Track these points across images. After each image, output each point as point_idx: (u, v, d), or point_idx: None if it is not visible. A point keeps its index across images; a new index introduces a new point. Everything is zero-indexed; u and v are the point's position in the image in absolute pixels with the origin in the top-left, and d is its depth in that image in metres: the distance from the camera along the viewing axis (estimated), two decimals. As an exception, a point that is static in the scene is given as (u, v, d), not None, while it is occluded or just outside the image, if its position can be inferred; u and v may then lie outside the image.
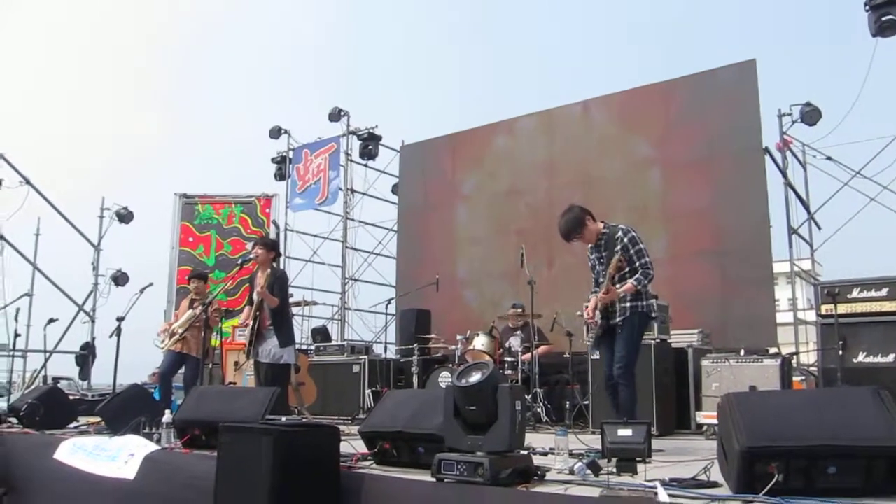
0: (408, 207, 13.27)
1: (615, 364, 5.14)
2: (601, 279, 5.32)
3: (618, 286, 5.14)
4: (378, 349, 11.97)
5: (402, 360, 10.00)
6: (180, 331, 7.74)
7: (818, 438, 2.95)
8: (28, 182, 12.91)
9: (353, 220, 13.91)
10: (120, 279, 13.61)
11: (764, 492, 2.90)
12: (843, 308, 6.23)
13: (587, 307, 5.37)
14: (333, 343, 10.87)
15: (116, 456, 4.96)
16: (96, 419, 6.66)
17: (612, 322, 5.22)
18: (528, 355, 7.88)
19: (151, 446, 4.96)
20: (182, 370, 8.17)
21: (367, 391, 9.30)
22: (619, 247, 5.16)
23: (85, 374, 13.43)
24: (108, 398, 6.87)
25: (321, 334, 11.41)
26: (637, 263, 5.15)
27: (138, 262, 14.04)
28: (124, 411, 5.95)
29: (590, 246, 5.46)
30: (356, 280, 13.86)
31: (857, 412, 3.06)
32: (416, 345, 9.18)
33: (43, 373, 12.50)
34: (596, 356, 6.59)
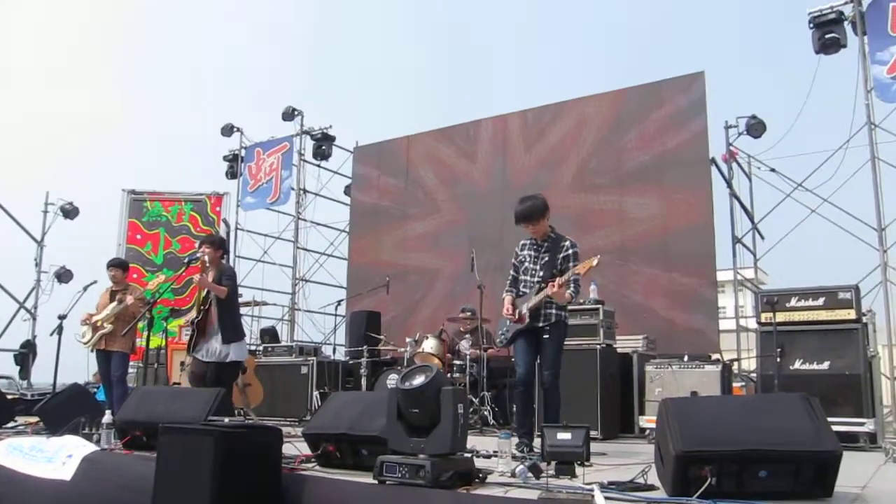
0: (360, 209, 13.24)
1: (547, 371, 5.16)
2: (524, 276, 5.36)
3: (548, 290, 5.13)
4: (327, 350, 11.94)
5: (351, 362, 9.96)
6: (108, 326, 7.38)
7: (750, 443, 3.06)
8: (-31, 175, 12.56)
9: (304, 220, 13.82)
10: (63, 276, 13.27)
11: (697, 494, 3.00)
12: (781, 316, 6.38)
13: (509, 307, 5.34)
14: (282, 344, 10.77)
15: (54, 457, 4.86)
16: (35, 419, 6.51)
17: (534, 325, 5.22)
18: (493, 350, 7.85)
19: (90, 447, 4.87)
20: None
21: (315, 393, 9.24)
22: (562, 254, 5.24)
23: (25, 372, 13.09)
24: (48, 398, 6.72)
25: (270, 335, 11.29)
26: (571, 277, 5.16)
27: (83, 260, 13.67)
28: (64, 411, 5.84)
29: (525, 242, 5.47)
30: (307, 281, 13.77)
31: (786, 418, 3.17)
32: (365, 347, 9.16)
33: (-20, 371, 12.17)
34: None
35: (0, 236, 13.82)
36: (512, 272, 5.53)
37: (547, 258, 5.29)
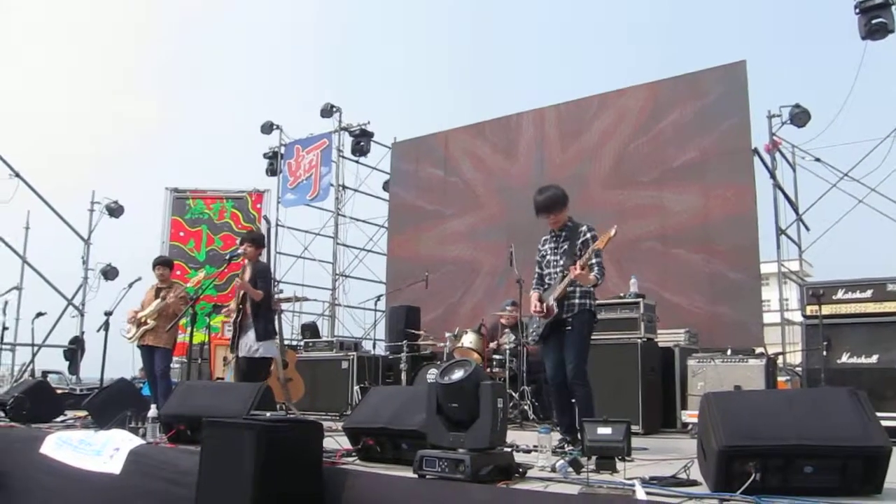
0: (399, 204, 13.27)
1: (569, 364, 5.03)
2: (547, 269, 5.28)
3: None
4: (367, 346, 12.01)
5: (390, 357, 10.02)
6: (151, 322, 7.51)
7: (795, 438, 2.99)
8: (18, 175, 12.88)
9: (344, 216, 13.92)
10: (109, 273, 13.56)
11: (741, 490, 2.94)
12: (827, 309, 6.25)
13: (536, 303, 5.23)
14: (323, 339, 10.87)
15: (102, 450, 4.96)
16: (83, 413, 6.67)
17: (559, 316, 5.10)
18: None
19: (137, 441, 4.96)
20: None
21: (356, 387, 9.30)
22: (580, 240, 5.12)
23: (74, 368, 13.41)
24: (95, 392, 6.88)
25: (310, 330, 11.40)
26: (594, 261, 5.03)
27: (128, 257, 13.98)
28: (111, 405, 5.97)
29: (546, 237, 5.39)
30: (347, 276, 13.87)
31: (833, 413, 3.09)
32: (405, 342, 9.18)
33: (31, 366, 12.47)
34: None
35: (49, 235, 14.17)
36: (537, 269, 5.45)
37: (566, 246, 5.18)
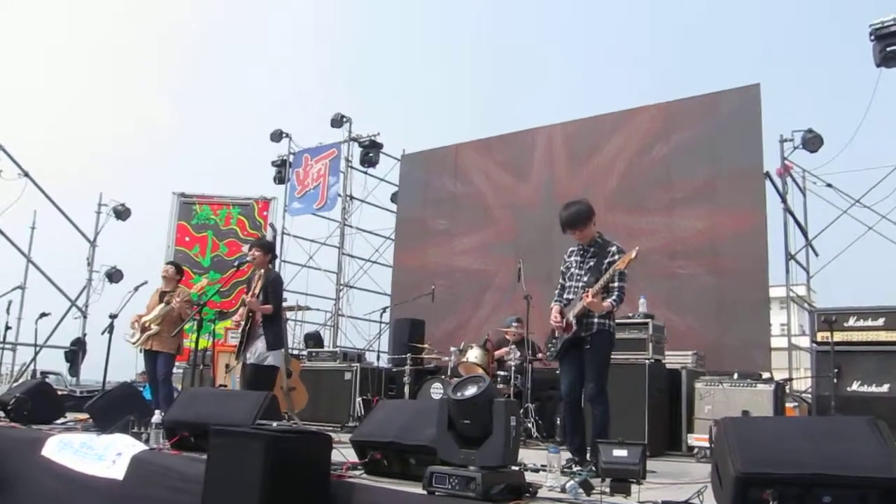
0: (406, 216, 13.25)
1: (589, 383, 4.97)
2: (570, 282, 5.21)
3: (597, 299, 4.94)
4: (370, 357, 11.96)
5: (394, 370, 9.95)
6: (155, 327, 7.45)
7: (814, 467, 2.94)
8: (26, 174, 12.86)
9: (350, 226, 13.91)
10: (114, 276, 13.53)
11: (758, 518, 2.89)
12: (838, 336, 6.22)
13: (556, 315, 5.15)
14: (326, 349, 10.81)
15: (104, 455, 4.92)
16: (84, 416, 6.61)
17: (577, 334, 5.03)
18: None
19: (139, 446, 4.92)
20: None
21: (358, 399, 9.24)
22: (607, 260, 5.05)
23: (74, 369, 13.34)
24: (98, 395, 6.83)
25: (314, 340, 11.36)
26: (616, 284, 4.98)
27: (133, 260, 13.98)
28: (113, 409, 5.91)
29: (573, 249, 5.33)
30: (351, 287, 13.84)
31: (853, 442, 3.04)
32: (408, 354, 9.13)
33: (32, 366, 12.41)
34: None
35: (55, 235, 14.13)
36: (560, 280, 5.36)
37: (592, 263, 5.12)
